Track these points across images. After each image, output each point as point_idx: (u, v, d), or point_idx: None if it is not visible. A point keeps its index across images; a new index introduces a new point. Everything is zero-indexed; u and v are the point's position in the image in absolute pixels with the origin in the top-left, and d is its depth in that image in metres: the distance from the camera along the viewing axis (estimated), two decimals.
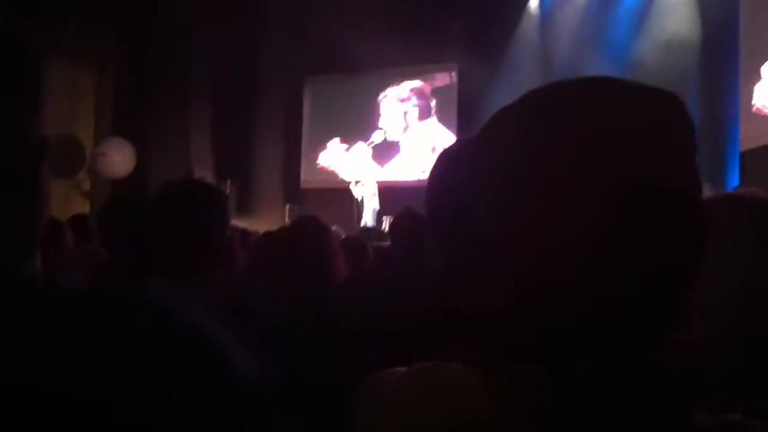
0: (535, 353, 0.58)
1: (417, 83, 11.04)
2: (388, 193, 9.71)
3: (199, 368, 0.55)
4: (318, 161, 11.65)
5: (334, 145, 11.55)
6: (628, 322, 0.56)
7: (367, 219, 9.63)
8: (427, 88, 10.98)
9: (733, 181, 7.25)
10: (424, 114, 11.01)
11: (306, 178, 11.71)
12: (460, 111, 10.38)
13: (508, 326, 0.60)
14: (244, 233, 4.20)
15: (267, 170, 11.38)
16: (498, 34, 9.51)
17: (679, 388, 0.58)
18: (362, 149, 11.25)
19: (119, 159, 9.59)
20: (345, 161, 11.42)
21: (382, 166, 11.07)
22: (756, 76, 6.82)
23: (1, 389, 0.49)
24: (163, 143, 10.14)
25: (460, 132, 10.22)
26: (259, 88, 10.98)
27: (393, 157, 11.09)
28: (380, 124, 11.21)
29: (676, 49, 8.02)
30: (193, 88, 10.46)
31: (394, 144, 11.10)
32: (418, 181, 9.76)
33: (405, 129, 11.11)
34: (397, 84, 11.16)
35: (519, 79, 8.72)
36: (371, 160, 11.18)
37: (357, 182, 9.96)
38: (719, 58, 7.74)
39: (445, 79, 10.85)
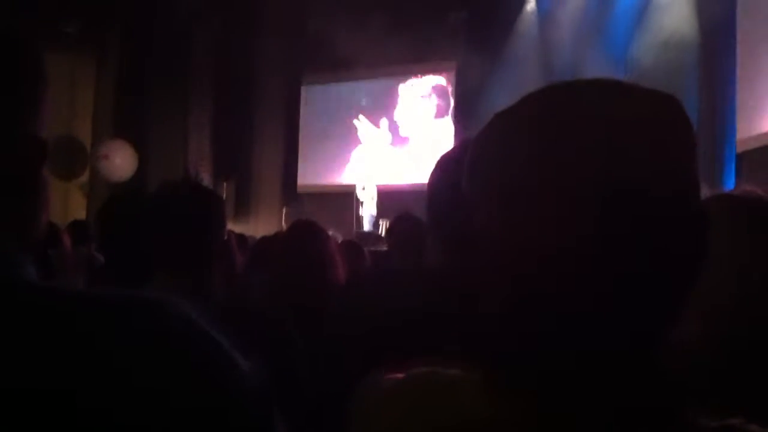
0: (534, 354, 0.58)
1: (440, 80, 10.80)
2: (386, 197, 9.64)
3: (199, 369, 0.55)
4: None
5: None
6: (627, 322, 0.56)
7: (365, 223, 9.59)
8: (449, 86, 10.76)
9: (730, 179, 7.25)
10: (441, 112, 10.83)
11: (303, 181, 11.57)
12: (458, 107, 10.35)
13: (506, 327, 0.60)
14: (241, 237, 4.20)
15: (264, 172, 11.34)
16: (496, 32, 9.49)
17: (678, 389, 0.58)
18: (372, 151, 11.13)
19: (121, 162, 9.59)
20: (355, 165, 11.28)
21: (390, 162, 10.89)
22: (753, 75, 6.83)
23: (1, 393, 0.49)
24: (162, 143, 10.14)
25: (457, 127, 10.15)
26: (258, 89, 10.94)
27: (402, 149, 10.94)
28: (395, 117, 11.05)
29: (674, 47, 8.02)
30: (192, 88, 10.46)
31: (403, 139, 10.98)
32: (418, 184, 9.71)
33: (419, 125, 10.94)
34: (418, 77, 10.93)
35: (517, 76, 8.73)
36: (378, 160, 11.06)
37: (363, 188, 9.86)
38: (717, 57, 7.75)
39: (443, 76, 10.78)
